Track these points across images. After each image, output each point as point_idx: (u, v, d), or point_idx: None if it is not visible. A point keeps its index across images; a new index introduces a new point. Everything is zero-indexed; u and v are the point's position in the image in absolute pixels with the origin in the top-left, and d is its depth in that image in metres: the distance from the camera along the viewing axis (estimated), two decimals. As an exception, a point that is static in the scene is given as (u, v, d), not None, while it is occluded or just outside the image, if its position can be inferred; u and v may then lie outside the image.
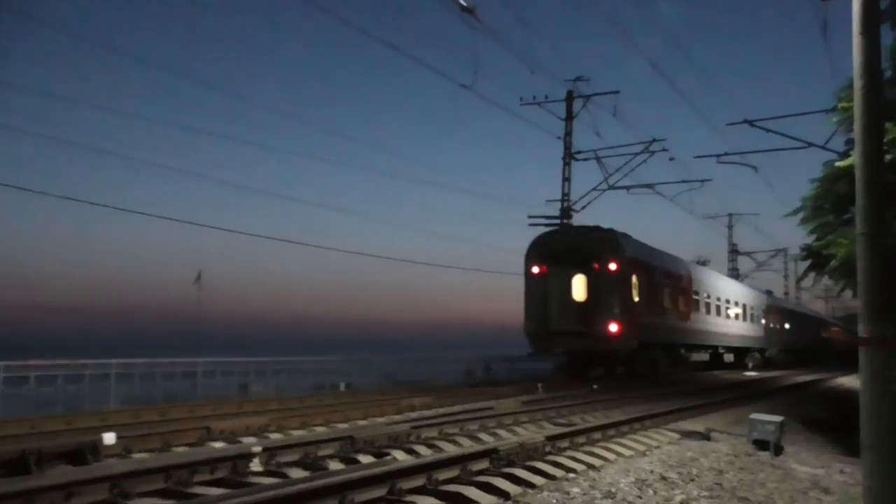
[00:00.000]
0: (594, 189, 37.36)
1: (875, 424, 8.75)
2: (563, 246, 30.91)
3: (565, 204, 36.88)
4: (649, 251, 33.47)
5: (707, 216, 59.90)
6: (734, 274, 62.89)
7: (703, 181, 37.94)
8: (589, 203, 41.03)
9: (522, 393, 23.39)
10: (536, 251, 31.30)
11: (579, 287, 30.30)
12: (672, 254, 36.09)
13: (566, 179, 36.91)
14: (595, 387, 25.43)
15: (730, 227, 64.10)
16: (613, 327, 29.65)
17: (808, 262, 20.63)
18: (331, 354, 33.17)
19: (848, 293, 21.07)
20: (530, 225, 36.04)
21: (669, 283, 34.25)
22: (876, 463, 8.66)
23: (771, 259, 67.08)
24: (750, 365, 44.13)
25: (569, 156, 36.20)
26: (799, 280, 34.41)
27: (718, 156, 32.11)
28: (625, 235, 31.45)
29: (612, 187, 36.59)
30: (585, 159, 36.60)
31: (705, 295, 38.59)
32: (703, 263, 45.55)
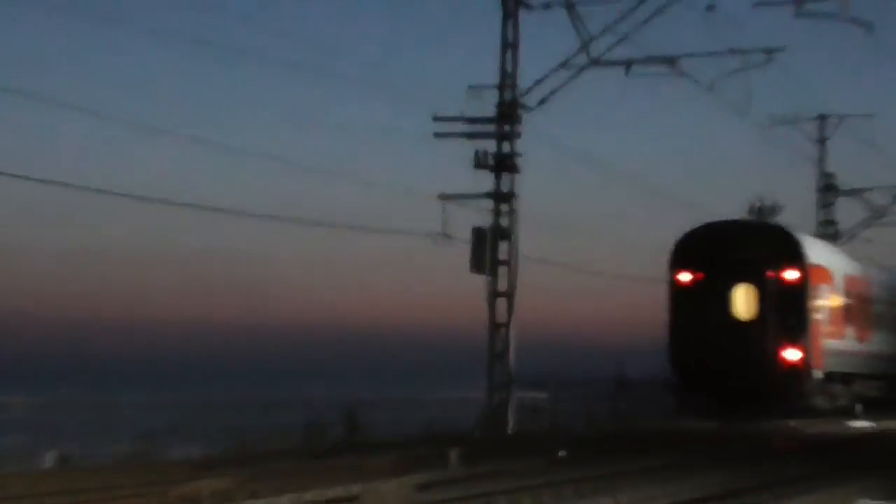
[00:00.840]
0: (562, 66, 32.70)
1: None
2: (723, 246, 30.21)
3: (507, 94, 32.48)
4: (835, 254, 33.21)
5: (774, 120, 51.23)
6: (828, 231, 56.16)
7: (769, 52, 32.88)
8: (553, 92, 33.96)
9: (418, 467, 21.14)
10: (684, 253, 30.73)
11: (745, 302, 29.72)
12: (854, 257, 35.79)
13: (509, 46, 32.46)
14: (562, 454, 23.28)
15: (820, 140, 57.00)
16: (792, 354, 28.86)
17: None
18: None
19: None
20: (437, 136, 32.39)
21: (859, 295, 33.31)
22: None
23: None
24: (857, 409, 36.55)
25: (515, 1, 32.78)
26: None
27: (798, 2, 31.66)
28: (805, 234, 31.27)
29: (595, 62, 32.71)
30: (547, 6, 32.28)
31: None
32: (769, 211, 39.49)
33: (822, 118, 56.19)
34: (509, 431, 31.22)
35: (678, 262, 31.18)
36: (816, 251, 31.66)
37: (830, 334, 30.97)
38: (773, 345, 29.17)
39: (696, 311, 30.07)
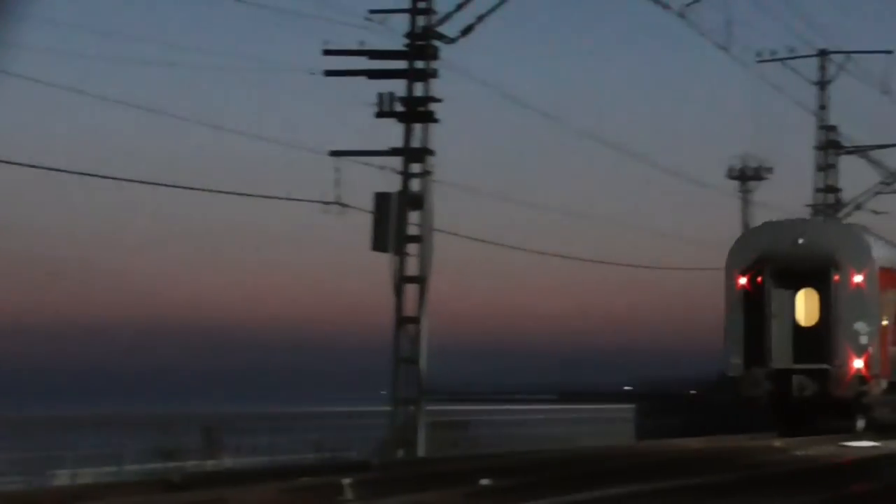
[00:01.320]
0: None
1: None
2: (784, 247, 34.95)
3: (421, 21, 32.52)
4: None
5: (764, 57, 53.38)
6: (828, 200, 57.50)
7: None
8: (480, 19, 33.57)
9: (303, 501, 21.41)
10: (742, 254, 35.42)
11: (808, 307, 34.63)
12: None
13: None
14: (485, 482, 23.24)
15: (820, 83, 57.47)
16: (858, 363, 33.85)
17: None
18: None
19: None
20: (328, 74, 32.51)
21: None
22: None
23: None
24: (859, 425, 39.15)
25: None
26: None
27: None
28: (872, 234, 35.85)
29: None
30: None
31: None
32: (755, 175, 50.43)
33: (824, 55, 56.08)
34: (419, 455, 31.34)
35: (737, 265, 36.21)
36: (884, 252, 36.51)
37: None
38: (836, 353, 34.47)
39: (757, 316, 35.28)
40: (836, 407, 35.80)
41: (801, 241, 35.52)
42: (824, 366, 34.44)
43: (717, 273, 47.02)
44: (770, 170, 50.46)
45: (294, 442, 32.43)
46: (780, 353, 35.33)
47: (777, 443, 36.33)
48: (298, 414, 33.42)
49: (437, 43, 32.15)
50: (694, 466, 28.54)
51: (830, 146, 57.07)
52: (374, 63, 32.12)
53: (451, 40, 32.34)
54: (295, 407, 35.86)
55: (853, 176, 62.91)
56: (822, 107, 56.87)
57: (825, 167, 56.97)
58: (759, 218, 51.71)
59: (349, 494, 21.62)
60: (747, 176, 49.98)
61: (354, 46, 31.95)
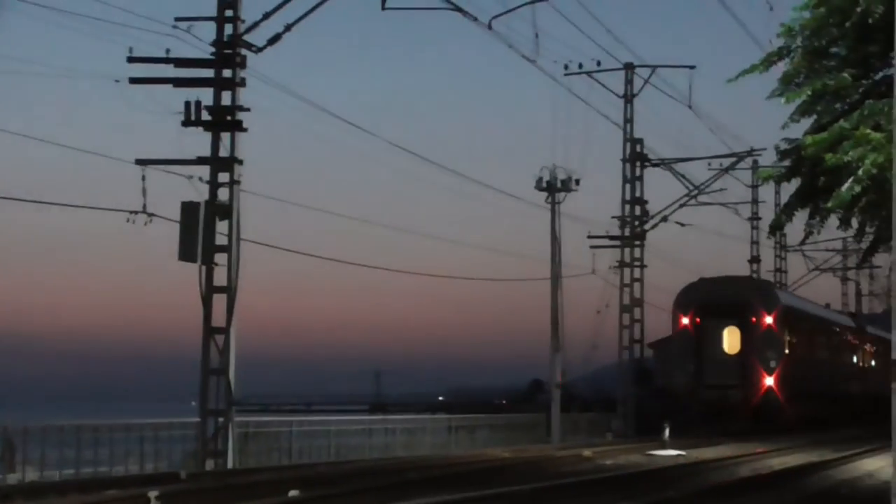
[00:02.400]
0: None
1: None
2: (715, 296, 48.83)
3: (228, 29, 31.75)
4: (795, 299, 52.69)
5: (571, 70, 52.41)
6: (635, 213, 57.85)
7: None
8: (288, 28, 33.01)
9: None
10: (685, 301, 49.74)
11: (731, 340, 48.26)
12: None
13: None
14: (294, 494, 23.29)
15: (627, 96, 57.82)
16: (769, 380, 46.86)
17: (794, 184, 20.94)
18: None
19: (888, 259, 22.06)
20: (133, 81, 31.13)
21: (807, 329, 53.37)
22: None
23: (721, 176, 60.49)
24: (666, 433, 42.89)
25: None
26: (774, 229, 25.21)
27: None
28: (778, 289, 52.10)
29: None
30: None
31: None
32: (563, 186, 50.23)
33: (630, 68, 56.60)
34: (229, 466, 30.83)
35: (681, 309, 49.74)
36: (787, 301, 50.76)
37: (795, 363, 49.02)
38: (753, 373, 47.39)
39: (696, 346, 48.62)
40: (753, 412, 47.95)
41: (726, 291, 49.73)
42: (744, 382, 47.70)
43: (531, 284, 48.11)
44: (578, 181, 50.61)
45: (101, 454, 31.57)
46: (713, 373, 48.10)
47: (586, 452, 37.84)
48: (105, 426, 32.38)
49: (244, 52, 31.61)
50: (500, 476, 28.75)
51: (636, 158, 57.36)
52: (180, 71, 31.40)
53: (259, 49, 31.78)
54: (102, 419, 34.75)
55: (659, 188, 63.97)
56: (629, 119, 57.21)
57: (632, 179, 57.28)
58: (567, 229, 51.91)
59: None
60: (555, 187, 50.13)
61: (160, 54, 31.18)
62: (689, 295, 50.25)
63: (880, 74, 19.75)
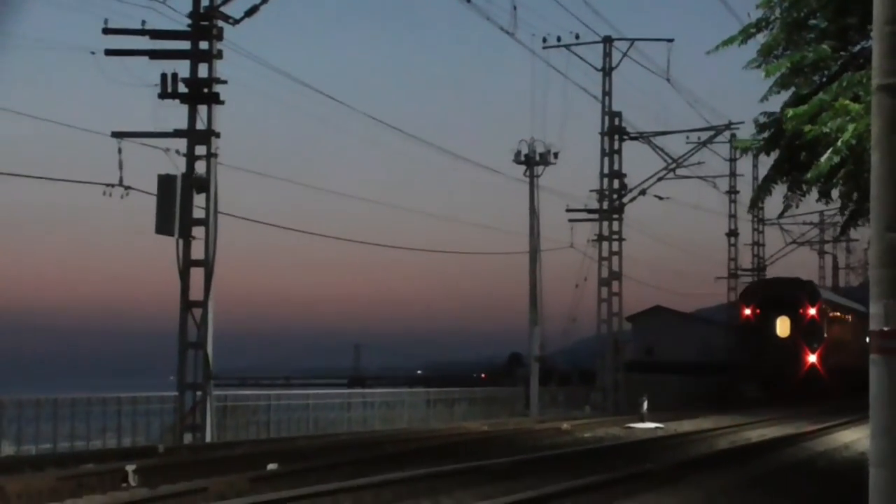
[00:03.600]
0: None
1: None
2: (770, 293, 65.69)
3: (204, 0, 31.23)
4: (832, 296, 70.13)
5: (550, 43, 52.85)
6: (614, 187, 57.71)
7: None
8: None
9: (85, 489, 20.32)
10: (748, 297, 67.22)
11: (782, 326, 63.35)
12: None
13: None
14: (273, 467, 23.04)
15: (605, 70, 57.29)
16: (812, 358, 62.06)
17: (772, 158, 20.64)
18: None
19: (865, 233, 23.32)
20: (109, 53, 30.63)
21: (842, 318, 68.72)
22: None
23: (699, 149, 60.55)
24: (644, 406, 43.17)
25: None
26: (754, 204, 25.10)
27: None
28: (820, 287, 69.63)
29: None
30: None
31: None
32: (542, 160, 50.08)
33: (608, 42, 56.34)
34: (208, 440, 30.67)
35: (745, 301, 65.68)
36: (827, 297, 67.16)
37: (831, 345, 63.17)
38: (800, 352, 61.90)
39: (756, 331, 63.29)
40: (800, 382, 61.18)
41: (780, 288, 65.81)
42: (793, 360, 61.65)
43: (510, 257, 48.14)
44: (556, 155, 50.42)
45: (78, 429, 31.42)
46: (769, 352, 61.89)
47: (564, 425, 38.08)
48: (82, 399, 32.13)
49: (220, 23, 31.25)
50: (479, 449, 28.77)
51: (615, 132, 57.21)
52: (156, 43, 31.07)
53: (236, 21, 31.44)
54: (80, 392, 34.43)
55: (637, 161, 63.93)
56: (607, 93, 57.03)
57: (610, 153, 57.14)
58: (546, 203, 51.91)
59: (133, 481, 21.34)
60: (534, 161, 49.95)
61: (136, 26, 30.80)
62: (751, 291, 67.74)
63: (858, 46, 19.68)
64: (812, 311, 62.47)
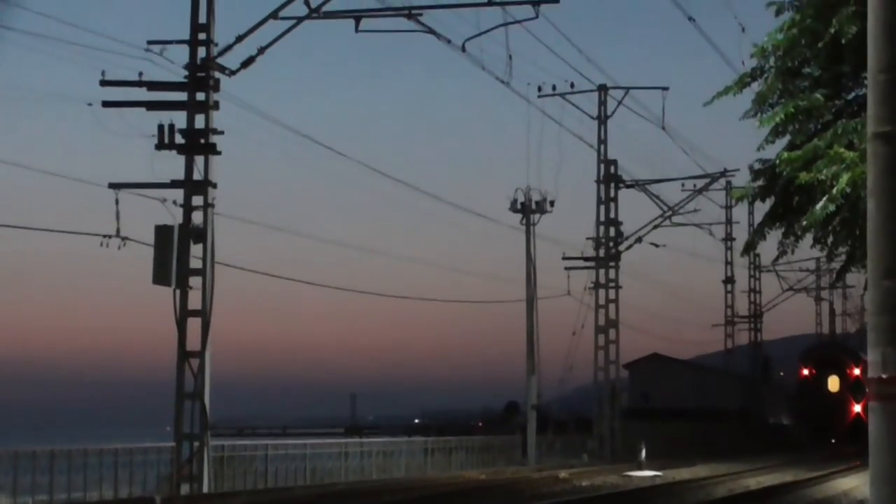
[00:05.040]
0: (273, 16, 31.64)
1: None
2: (821, 356, 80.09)
3: (201, 52, 31.22)
4: None
5: (545, 91, 51.57)
6: (609, 234, 57.39)
7: (537, 4, 33.64)
8: (261, 51, 32.68)
9: None
10: (805, 359, 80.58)
11: (832, 384, 76.76)
12: None
13: None
14: None
15: (601, 118, 57.03)
16: (857, 408, 72.16)
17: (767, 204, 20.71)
18: None
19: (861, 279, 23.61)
20: (106, 105, 30.85)
21: None
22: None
23: (694, 196, 60.08)
24: (642, 454, 43.18)
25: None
26: (748, 248, 25.02)
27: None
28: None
29: (315, 12, 31.69)
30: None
31: None
32: (538, 208, 49.42)
33: (603, 90, 56.36)
34: (205, 490, 30.41)
35: (803, 363, 78.62)
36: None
37: None
38: (847, 405, 73.46)
39: (813, 387, 76.05)
40: (848, 431, 70.12)
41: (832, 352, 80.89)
42: (842, 411, 73.28)
43: (507, 305, 48.09)
44: (552, 203, 50.35)
45: (75, 480, 31.09)
46: (822, 405, 74.21)
47: (562, 473, 37.85)
48: (78, 450, 31.82)
49: (217, 74, 31.17)
50: (476, 498, 28.62)
51: (611, 180, 57.14)
52: (153, 94, 30.98)
53: (232, 72, 31.39)
54: (76, 444, 34.07)
55: (633, 209, 63.73)
56: (602, 141, 57.02)
57: (606, 200, 57.09)
58: (542, 251, 51.84)
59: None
60: (530, 209, 49.89)
61: (133, 78, 30.71)
62: (808, 354, 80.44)
63: (853, 94, 19.71)
64: (856, 371, 74.15)
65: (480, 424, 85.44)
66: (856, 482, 33.59)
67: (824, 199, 18.06)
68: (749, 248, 26.11)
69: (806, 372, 78.13)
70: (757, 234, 22.14)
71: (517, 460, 49.02)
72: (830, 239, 21.09)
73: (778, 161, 19.48)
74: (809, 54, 19.23)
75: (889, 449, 8.60)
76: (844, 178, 17.15)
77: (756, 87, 20.28)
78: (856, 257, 21.23)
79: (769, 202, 21.24)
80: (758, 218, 25.35)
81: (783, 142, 20.28)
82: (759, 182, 21.22)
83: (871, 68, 8.74)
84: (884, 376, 8.66)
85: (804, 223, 19.53)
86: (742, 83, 20.36)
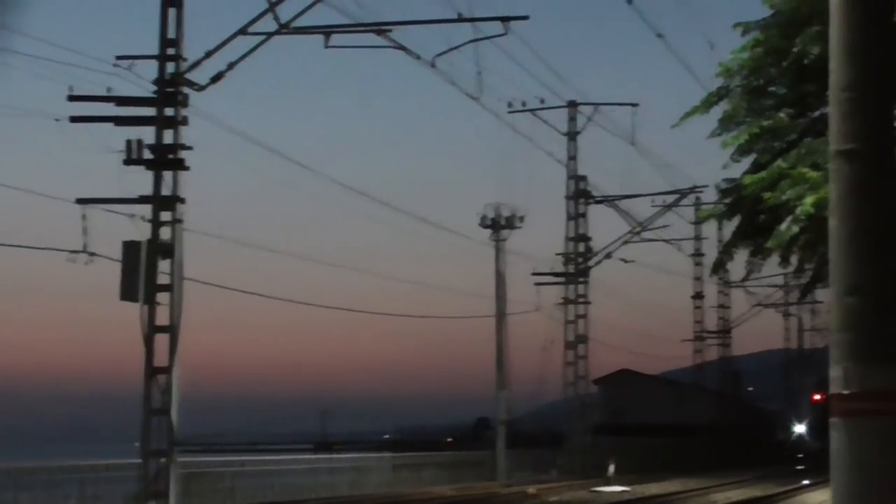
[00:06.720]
0: (242, 32, 31.46)
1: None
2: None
3: (170, 68, 30.90)
4: None
5: (515, 108, 51.63)
6: (579, 249, 57.62)
7: (506, 20, 33.62)
8: (231, 66, 32.66)
9: None
10: (814, 385, 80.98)
11: None
12: None
13: (171, 2, 30.87)
14: None
15: (571, 134, 57.58)
16: None
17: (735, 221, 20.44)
18: None
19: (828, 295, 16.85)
20: (74, 120, 30.56)
21: None
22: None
23: (664, 212, 59.91)
24: (611, 470, 43.44)
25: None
26: (716, 268, 25.23)
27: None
28: None
29: (285, 28, 31.57)
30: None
31: None
32: (508, 224, 49.07)
33: (573, 106, 56.52)
34: (172, 509, 30.15)
35: (815, 389, 79.38)
36: None
37: None
38: None
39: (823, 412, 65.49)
40: None
41: None
42: None
43: (477, 321, 48.16)
44: (522, 218, 50.47)
45: (40, 498, 31.00)
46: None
47: (531, 489, 37.90)
48: (43, 468, 31.75)
49: (186, 90, 30.93)
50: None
51: (580, 195, 57.32)
52: (122, 110, 30.72)
53: (201, 87, 31.20)
54: (42, 460, 34.03)
55: (603, 225, 63.91)
56: (572, 157, 57.19)
57: (576, 216, 57.22)
58: (512, 267, 51.81)
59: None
60: (500, 225, 49.99)
61: (102, 93, 30.45)
62: (820, 381, 76.63)
63: (817, 113, 19.84)
64: None
65: (450, 440, 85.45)
66: (823, 496, 33.77)
67: (789, 219, 18.22)
68: (717, 267, 26.14)
69: (818, 397, 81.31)
70: (724, 253, 22.26)
71: (487, 476, 49.05)
72: (796, 258, 21.21)
73: (743, 184, 19.62)
74: (775, 73, 19.35)
75: (850, 465, 8.70)
76: (809, 199, 17.27)
77: (723, 105, 20.40)
78: (821, 275, 21.36)
79: (737, 219, 21.33)
80: (727, 234, 25.44)
81: (750, 159, 20.40)
82: (727, 201, 21.34)
83: (833, 86, 8.84)
84: (846, 392, 8.74)
85: (770, 245, 19.67)
86: (708, 103, 20.50)
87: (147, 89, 30.76)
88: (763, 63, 19.44)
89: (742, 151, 20.07)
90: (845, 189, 8.76)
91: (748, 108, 19.97)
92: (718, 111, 20.45)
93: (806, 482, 41.88)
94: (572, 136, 56.73)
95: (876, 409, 8.64)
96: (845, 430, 8.64)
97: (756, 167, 19.78)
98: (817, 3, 16.82)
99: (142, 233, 30.16)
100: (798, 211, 17.22)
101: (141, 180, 30.40)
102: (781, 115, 19.43)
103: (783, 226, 18.24)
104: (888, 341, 8.67)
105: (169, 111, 30.76)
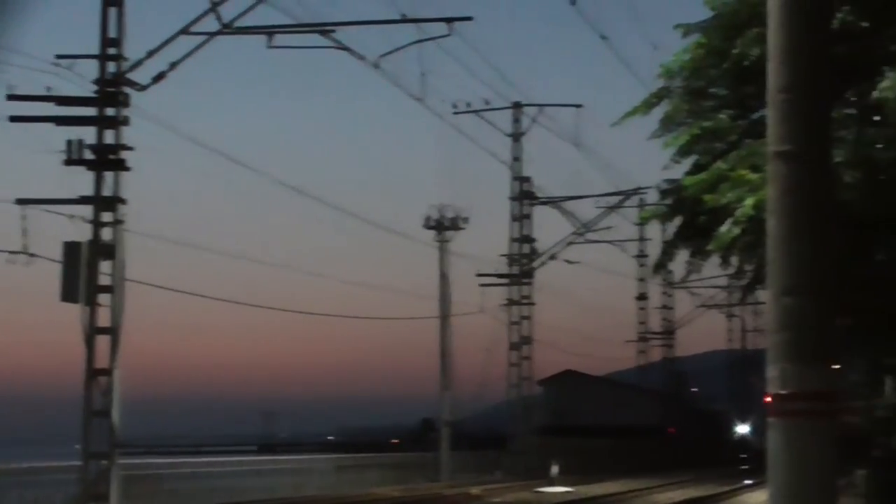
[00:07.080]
0: (184, 32, 31.57)
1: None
2: None
3: (111, 67, 30.69)
4: None
5: (459, 109, 51.63)
6: (523, 250, 57.62)
7: (451, 21, 34.05)
8: (173, 66, 32.45)
9: None
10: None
11: None
12: None
13: (112, 2, 30.76)
14: None
15: (515, 135, 57.77)
16: None
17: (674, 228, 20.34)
18: None
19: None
20: (13, 120, 30.25)
21: None
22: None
23: (608, 214, 59.63)
24: (554, 471, 43.20)
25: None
26: (657, 269, 25.07)
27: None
28: None
29: (227, 27, 31.51)
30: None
31: None
32: (452, 225, 49.29)
33: (518, 107, 56.65)
34: (113, 512, 29.95)
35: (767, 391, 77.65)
36: None
37: None
38: None
39: None
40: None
41: None
42: None
43: (421, 322, 48.01)
44: (466, 220, 50.49)
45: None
46: None
47: (474, 490, 37.97)
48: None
49: (127, 90, 30.77)
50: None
51: (525, 197, 57.41)
52: (62, 109, 30.42)
53: (143, 87, 31.04)
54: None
55: (547, 226, 64.01)
56: (517, 158, 57.29)
57: (520, 217, 57.33)
58: (456, 268, 51.81)
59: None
60: (444, 226, 49.99)
61: (41, 92, 30.11)
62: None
63: (757, 114, 19.92)
64: None
65: (396, 441, 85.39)
66: (763, 496, 33.93)
67: (729, 222, 18.25)
68: (658, 267, 26.12)
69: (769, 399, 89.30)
70: (665, 254, 22.27)
71: (431, 477, 49.04)
72: (737, 259, 21.27)
73: (684, 185, 19.66)
74: (715, 74, 19.40)
75: (787, 464, 8.79)
76: (749, 201, 17.30)
77: (664, 106, 20.41)
78: (761, 277, 21.40)
79: (679, 220, 21.37)
80: (670, 235, 25.55)
81: (691, 160, 20.43)
82: (668, 202, 21.38)
83: (772, 88, 8.95)
84: (783, 392, 8.82)
85: (710, 247, 19.70)
86: (649, 104, 20.48)
87: (88, 89, 30.57)
88: (704, 64, 19.42)
89: (683, 152, 20.05)
90: (783, 189, 8.85)
91: (689, 109, 19.97)
92: (660, 112, 20.46)
93: (748, 482, 42.18)
94: (517, 137, 56.86)
95: (813, 409, 8.76)
96: (783, 429, 8.73)
97: (696, 168, 19.80)
98: (757, 5, 16.90)
99: (83, 234, 29.97)
100: (738, 213, 17.25)
101: (82, 181, 30.21)
102: (722, 116, 19.43)
103: (723, 228, 18.24)
104: (825, 341, 8.79)
105: (110, 111, 30.60)
